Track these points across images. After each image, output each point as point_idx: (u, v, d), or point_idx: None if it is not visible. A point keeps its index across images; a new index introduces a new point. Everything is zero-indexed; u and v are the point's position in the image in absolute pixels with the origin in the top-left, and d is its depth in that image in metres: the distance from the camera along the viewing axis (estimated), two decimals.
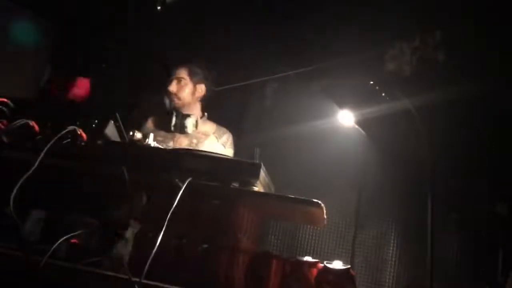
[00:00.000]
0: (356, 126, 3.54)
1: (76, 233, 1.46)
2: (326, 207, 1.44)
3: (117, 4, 3.75)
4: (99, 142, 1.54)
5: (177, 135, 2.76)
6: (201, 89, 2.84)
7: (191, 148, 2.69)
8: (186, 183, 1.37)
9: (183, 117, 2.72)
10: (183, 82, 2.79)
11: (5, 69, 3.48)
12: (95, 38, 3.85)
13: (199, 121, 2.77)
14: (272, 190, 1.64)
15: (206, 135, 2.82)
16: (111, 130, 1.60)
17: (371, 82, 3.39)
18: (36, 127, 1.54)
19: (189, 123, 2.70)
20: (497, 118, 3.39)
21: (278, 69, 3.82)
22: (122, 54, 3.90)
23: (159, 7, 3.21)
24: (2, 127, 1.53)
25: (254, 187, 1.47)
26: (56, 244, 1.35)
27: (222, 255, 1.39)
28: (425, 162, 3.14)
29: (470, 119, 3.40)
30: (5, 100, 1.59)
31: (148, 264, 1.23)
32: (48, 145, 1.43)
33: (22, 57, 3.70)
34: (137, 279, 1.23)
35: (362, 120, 3.51)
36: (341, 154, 3.68)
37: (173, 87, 2.76)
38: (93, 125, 1.56)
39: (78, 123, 1.54)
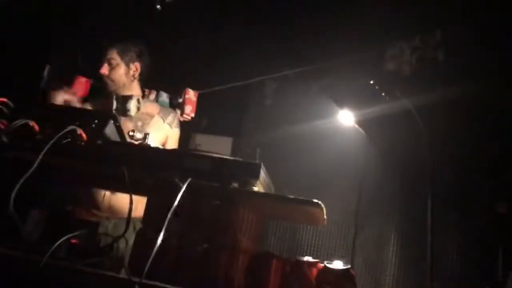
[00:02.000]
0: (356, 126, 3.54)
1: (76, 233, 1.45)
2: (326, 207, 1.44)
3: (117, 4, 3.75)
4: (99, 142, 1.54)
5: (121, 119, 2.64)
6: (136, 67, 2.75)
7: (135, 130, 2.64)
8: (186, 183, 1.37)
9: (123, 99, 2.63)
10: (114, 63, 2.70)
11: (5, 69, 3.48)
12: (95, 38, 3.85)
13: (141, 101, 2.68)
14: (272, 190, 1.64)
15: (151, 116, 2.73)
16: (111, 130, 1.60)
17: (371, 82, 3.39)
18: (36, 127, 1.54)
19: (131, 105, 2.61)
20: (497, 118, 3.39)
21: (278, 69, 3.82)
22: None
23: (159, 6, 3.20)
24: (2, 127, 1.53)
25: (254, 187, 1.47)
26: (56, 244, 1.35)
27: (222, 255, 1.39)
28: (425, 162, 3.14)
29: (470, 119, 3.40)
30: (5, 100, 1.59)
31: (148, 264, 1.23)
32: (48, 145, 1.43)
33: (22, 57, 3.70)
34: (137, 279, 1.22)
35: (362, 120, 3.51)
36: (341, 154, 3.68)
37: (104, 70, 2.67)
38: (93, 125, 1.56)
39: (78, 123, 1.53)
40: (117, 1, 3.78)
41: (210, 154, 1.51)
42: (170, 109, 2.81)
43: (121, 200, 2.53)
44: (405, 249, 3.56)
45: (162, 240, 1.27)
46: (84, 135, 1.52)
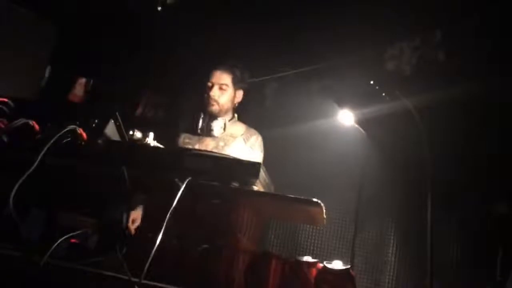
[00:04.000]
0: (356, 126, 3.54)
1: (76, 233, 1.46)
2: (326, 207, 1.44)
3: (117, 4, 3.75)
4: (99, 142, 1.54)
5: (205, 138, 2.69)
6: (240, 95, 2.79)
7: (218, 150, 2.61)
8: (185, 183, 1.37)
9: (210, 119, 2.65)
10: (224, 87, 2.72)
11: (5, 69, 3.48)
12: (95, 38, 3.86)
13: (227, 123, 2.69)
14: (272, 190, 1.64)
15: (234, 137, 2.73)
16: (111, 130, 1.60)
17: (371, 82, 3.39)
18: (36, 127, 1.54)
19: (216, 125, 2.63)
20: (497, 118, 3.39)
21: (278, 69, 3.82)
22: (122, 54, 3.90)
23: (159, 7, 3.20)
24: (2, 127, 1.53)
25: (254, 187, 1.47)
26: (56, 244, 1.35)
27: (222, 255, 1.39)
28: (425, 162, 3.14)
29: (470, 119, 3.40)
30: (5, 100, 1.59)
31: (148, 264, 1.23)
32: (48, 145, 1.43)
33: (22, 57, 3.70)
34: (137, 279, 1.23)
35: (362, 120, 3.51)
36: (341, 154, 3.68)
37: (214, 93, 2.69)
38: (93, 125, 1.56)
39: (78, 123, 1.54)
40: (117, 1, 3.78)
41: (210, 154, 1.51)
42: (254, 131, 2.80)
43: None
44: (405, 249, 3.56)
45: (162, 240, 1.27)
46: (84, 135, 1.52)
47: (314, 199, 1.42)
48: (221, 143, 2.69)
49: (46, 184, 1.72)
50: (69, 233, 1.43)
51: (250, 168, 1.43)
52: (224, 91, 2.72)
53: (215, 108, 2.70)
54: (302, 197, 1.43)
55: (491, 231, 3.27)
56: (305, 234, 3.74)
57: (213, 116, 2.67)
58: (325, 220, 1.53)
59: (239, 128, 2.79)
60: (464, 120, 3.40)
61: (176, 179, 1.37)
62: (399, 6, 3.34)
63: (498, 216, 3.24)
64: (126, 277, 1.26)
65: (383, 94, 3.33)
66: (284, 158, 3.62)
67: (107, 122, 1.58)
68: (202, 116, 2.67)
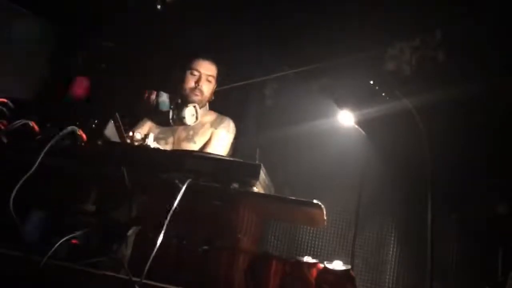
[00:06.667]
0: (356, 126, 3.54)
1: (76, 233, 1.46)
2: (326, 208, 1.44)
3: (117, 4, 3.75)
4: (99, 142, 1.54)
5: (178, 128, 2.67)
6: (215, 87, 2.81)
7: (189, 140, 2.63)
8: (186, 184, 1.37)
9: (179, 108, 2.62)
10: (210, 79, 2.73)
11: (5, 69, 3.48)
12: (95, 38, 3.85)
13: (199, 110, 2.67)
14: (272, 191, 1.64)
15: (203, 124, 2.72)
16: (111, 130, 1.60)
17: (371, 82, 3.39)
18: (36, 127, 1.54)
19: (188, 113, 2.61)
20: (497, 118, 3.39)
21: (278, 69, 3.82)
22: (122, 54, 3.89)
23: (159, 6, 3.20)
24: (2, 127, 1.53)
25: (254, 188, 1.47)
26: (57, 245, 1.35)
27: (222, 256, 1.39)
28: (425, 162, 3.14)
29: (470, 119, 3.40)
30: (5, 100, 1.59)
31: (148, 264, 1.23)
32: (48, 145, 1.43)
33: (22, 57, 3.70)
34: (138, 279, 1.23)
35: (362, 120, 3.51)
36: (341, 154, 3.67)
37: (202, 84, 2.69)
38: (93, 125, 1.56)
39: (78, 123, 1.53)
40: (117, 1, 3.78)
41: (211, 155, 1.51)
42: (226, 117, 2.80)
43: None
44: (405, 249, 3.56)
45: (162, 240, 1.27)
46: (84, 135, 1.52)
47: (315, 201, 1.42)
48: (191, 132, 2.67)
49: (46, 185, 1.72)
50: (69, 233, 1.43)
51: (250, 170, 1.44)
52: (209, 82, 2.74)
53: (198, 98, 2.69)
54: (302, 199, 1.43)
55: (491, 231, 3.27)
56: (305, 234, 3.74)
57: (182, 104, 2.64)
58: (325, 222, 1.53)
59: (209, 116, 2.77)
60: (464, 120, 3.40)
61: (177, 181, 1.37)
62: (399, 6, 3.34)
63: (498, 216, 3.24)
64: (126, 277, 1.26)
65: (383, 94, 3.33)
66: (284, 158, 3.62)
67: (107, 122, 1.58)
68: (171, 106, 2.64)
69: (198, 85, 2.68)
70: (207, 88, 2.73)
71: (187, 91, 2.69)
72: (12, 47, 3.60)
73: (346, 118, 3.53)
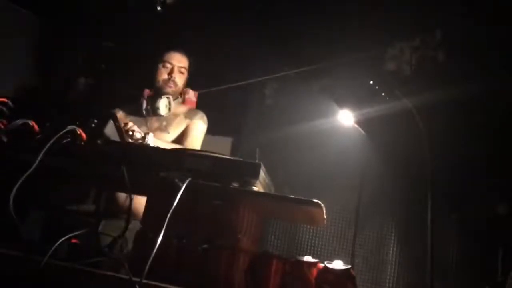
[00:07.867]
0: (356, 126, 3.54)
1: (76, 233, 1.45)
2: (326, 207, 1.44)
3: (117, 4, 3.75)
4: (99, 142, 1.54)
5: (150, 118, 2.70)
6: (187, 78, 2.84)
7: (162, 130, 2.66)
8: (186, 183, 1.36)
9: (153, 99, 2.67)
10: (183, 71, 2.77)
11: (5, 69, 3.48)
12: (95, 38, 3.85)
13: (172, 102, 2.70)
14: (272, 190, 1.64)
15: (176, 115, 2.75)
16: (111, 130, 1.60)
17: (371, 82, 3.39)
18: (36, 127, 1.54)
19: (161, 104, 2.64)
20: (497, 118, 3.39)
21: (278, 69, 3.82)
22: (122, 54, 3.89)
23: (159, 7, 3.20)
24: (2, 126, 1.53)
25: (254, 187, 1.47)
26: (57, 244, 1.35)
27: (222, 255, 1.39)
28: (425, 162, 3.14)
29: (470, 119, 3.40)
30: (5, 100, 1.59)
31: (148, 264, 1.23)
32: (48, 145, 1.43)
33: (22, 57, 3.70)
34: (138, 279, 1.22)
35: (362, 120, 3.51)
36: (341, 154, 3.68)
37: (175, 75, 2.73)
38: (93, 125, 1.56)
39: (78, 123, 1.53)
40: (117, 1, 3.78)
41: (210, 154, 1.51)
42: (199, 110, 2.83)
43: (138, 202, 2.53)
44: (405, 249, 3.56)
45: (162, 240, 1.27)
46: (84, 135, 1.52)
47: (314, 200, 1.42)
48: (164, 123, 2.71)
49: (46, 184, 1.72)
50: (70, 233, 1.43)
51: (250, 169, 1.43)
52: (182, 74, 2.78)
53: (172, 90, 2.74)
54: (302, 198, 1.43)
55: (491, 231, 3.27)
56: (305, 234, 3.74)
57: (156, 95, 2.68)
58: (325, 221, 1.53)
59: (182, 108, 2.82)
60: (464, 120, 3.40)
61: (176, 180, 1.37)
62: (399, 6, 3.35)
63: (498, 216, 3.24)
64: (126, 277, 1.26)
65: (383, 94, 3.33)
66: (284, 158, 3.62)
67: (107, 122, 1.58)
68: (145, 97, 2.69)
69: (171, 76, 2.73)
70: (180, 80, 2.77)
71: (161, 83, 2.74)
72: (12, 46, 3.61)
73: (346, 118, 3.53)
